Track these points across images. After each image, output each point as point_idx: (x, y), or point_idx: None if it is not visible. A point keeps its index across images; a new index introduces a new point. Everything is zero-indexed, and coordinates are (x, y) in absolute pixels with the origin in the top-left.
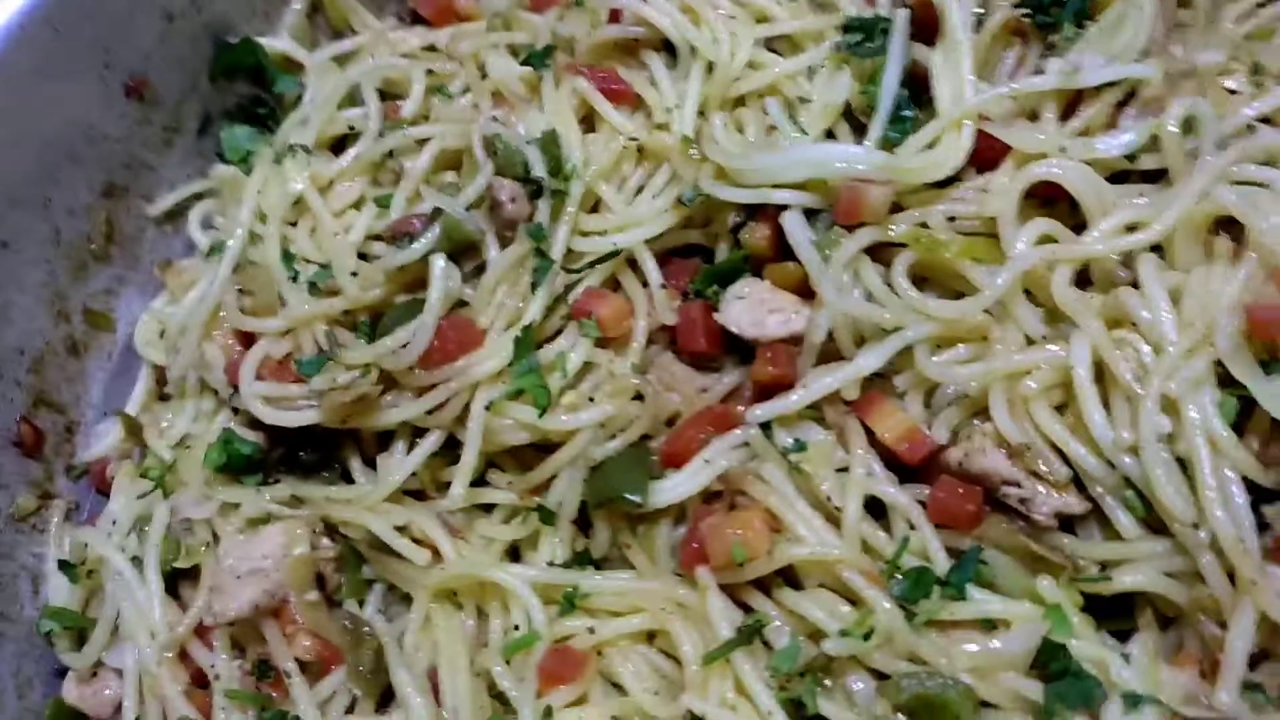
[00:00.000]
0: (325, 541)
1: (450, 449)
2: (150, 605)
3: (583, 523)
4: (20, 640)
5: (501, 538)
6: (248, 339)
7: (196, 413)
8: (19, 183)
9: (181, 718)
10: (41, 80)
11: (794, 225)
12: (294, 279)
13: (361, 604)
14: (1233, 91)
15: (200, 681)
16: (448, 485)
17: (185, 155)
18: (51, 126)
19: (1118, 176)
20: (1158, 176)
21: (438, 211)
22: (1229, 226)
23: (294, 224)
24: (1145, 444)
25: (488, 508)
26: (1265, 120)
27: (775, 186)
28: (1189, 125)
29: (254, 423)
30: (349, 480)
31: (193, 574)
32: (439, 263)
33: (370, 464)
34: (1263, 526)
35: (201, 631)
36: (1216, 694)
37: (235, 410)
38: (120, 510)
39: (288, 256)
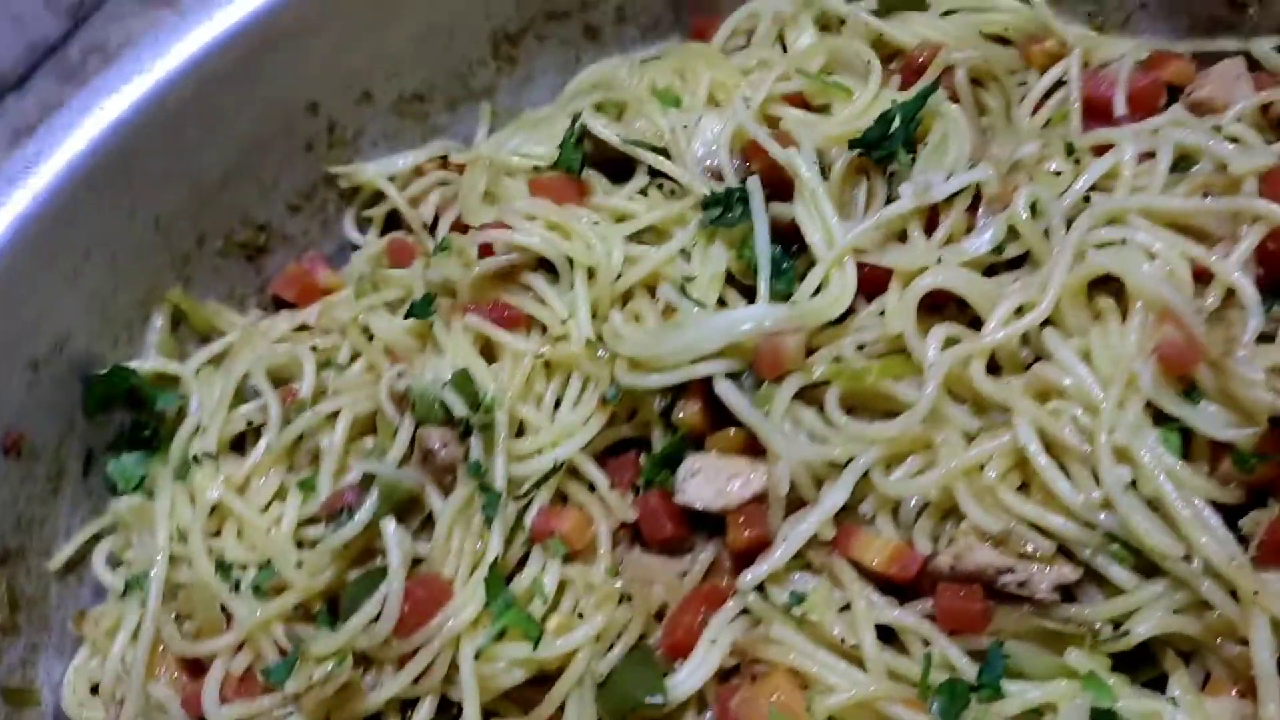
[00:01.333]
0: None
1: (446, 712)
2: None
3: None
4: None
5: None
6: (195, 668)
7: None
8: None
9: None
10: None
11: (727, 392)
12: (235, 588)
13: None
14: (1057, 173)
15: None
16: None
17: (75, 499)
18: None
19: (988, 271)
20: (1021, 262)
21: (369, 477)
22: (1104, 286)
23: (217, 534)
24: (1114, 496)
25: None
26: (1094, 189)
27: (694, 362)
28: (1035, 210)
29: None
30: None
31: None
32: (389, 527)
33: None
34: (1243, 541)
35: None
36: (1264, 708)
37: None
38: None
39: (222, 567)
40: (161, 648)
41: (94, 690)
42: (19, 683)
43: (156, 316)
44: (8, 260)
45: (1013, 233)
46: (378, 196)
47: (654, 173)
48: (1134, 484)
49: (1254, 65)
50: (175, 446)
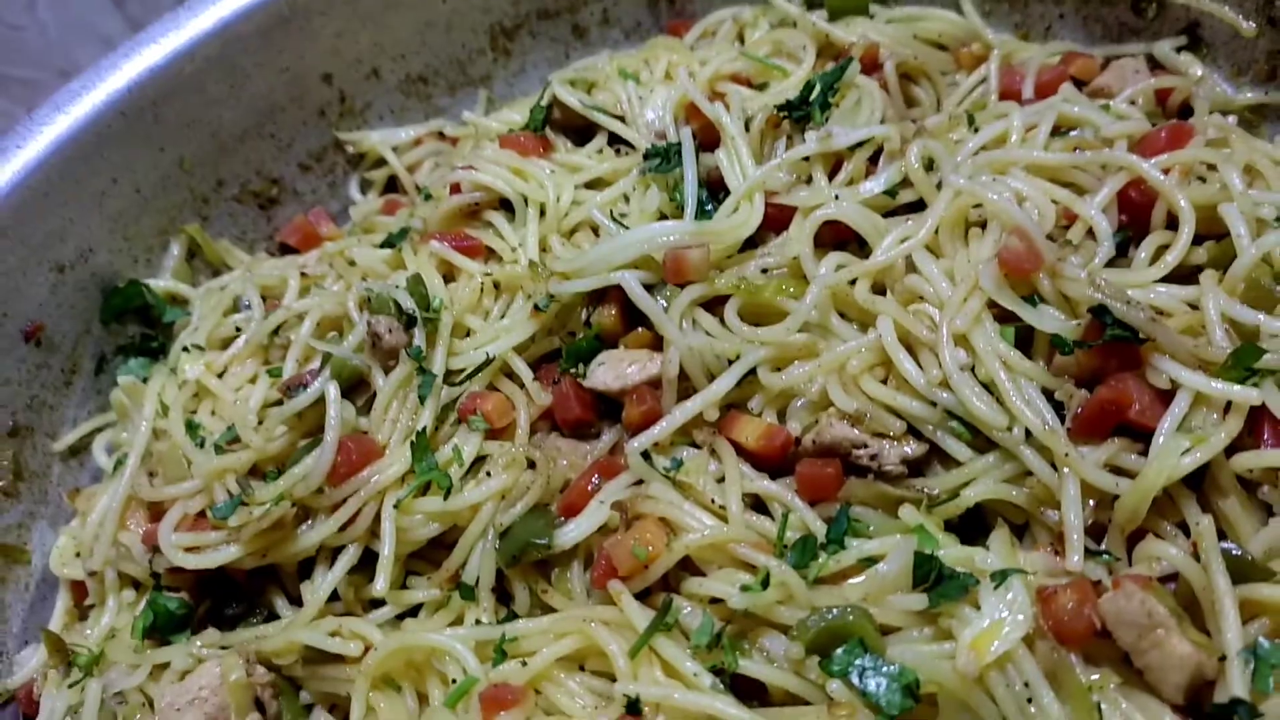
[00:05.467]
0: (260, 669)
1: (370, 564)
2: None
3: (503, 598)
4: None
5: (429, 627)
6: (159, 517)
7: (119, 606)
8: None
9: None
10: None
11: (632, 284)
12: (200, 445)
13: None
14: (959, 142)
15: None
16: (374, 604)
17: (85, 394)
18: None
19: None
20: (919, 208)
21: (326, 357)
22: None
23: (194, 412)
24: (952, 375)
25: (414, 614)
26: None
27: (611, 270)
28: (930, 165)
29: (178, 587)
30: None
31: None
32: (331, 389)
33: (296, 602)
34: (1063, 418)
35: None
36: (1069, 560)
37: (158, 582)
38: (49, 709)
39: (191, 427)
40: (133, 503)
41: (78, 555)
42: (13, 541)
43: (174, 245)
44: (44, 174)
45: (907, 182)
46: (381, 163)
47: (614, 140)
48: (973, 370)
49: (1158, 66)
50: (174, 347)
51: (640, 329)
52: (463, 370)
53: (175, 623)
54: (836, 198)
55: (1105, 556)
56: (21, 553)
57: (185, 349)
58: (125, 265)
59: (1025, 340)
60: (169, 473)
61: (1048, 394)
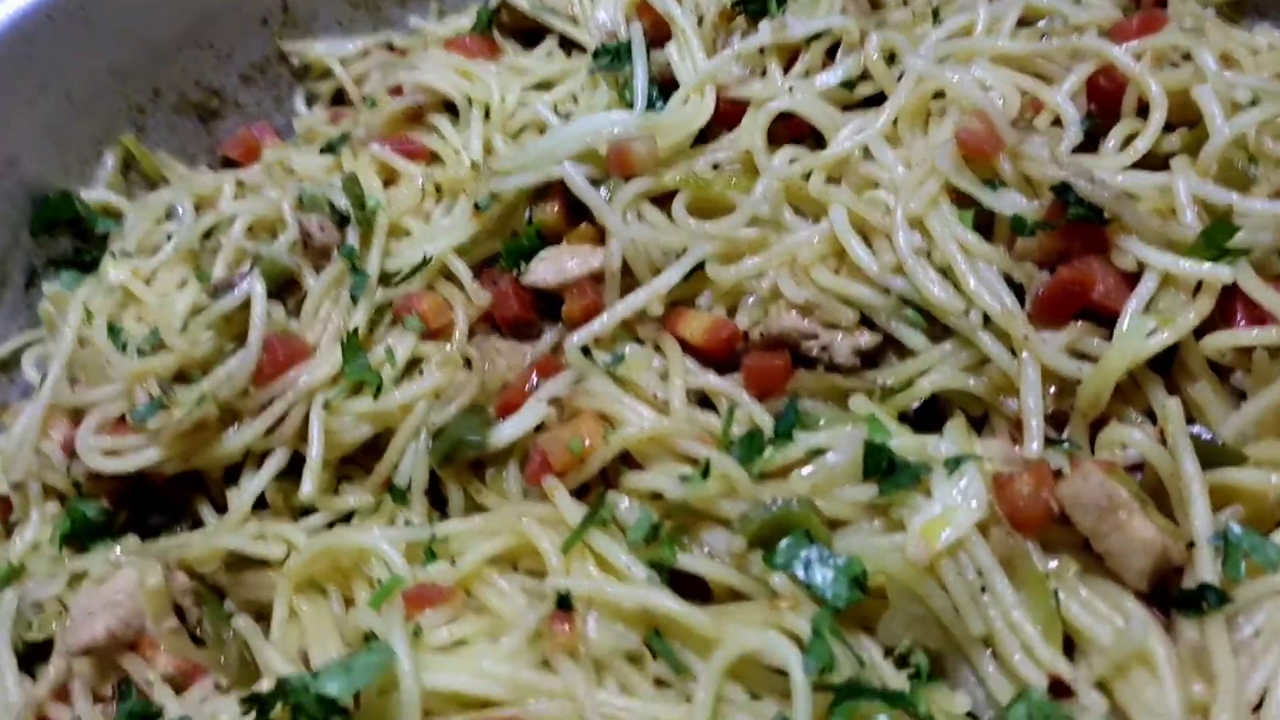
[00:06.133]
0: (181, 576)
1: (298, 470)
2: (3, 679)
3: (437, 503)
4: None
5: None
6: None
7: (42, 519)
8: None
9: None
10: None
11: (573, 174)
12: (123, 349)
13: None
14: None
15: None
16: (305, 513)
17: (15, 308)
18: None
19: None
20: (879, 103)
21: (257, 258)
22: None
23: (120, 320)
24: (906, 258)
25: (347, 521)
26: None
27: (553, 165)
28: (891, 58)
29: (99, 495)
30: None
31: (46, 653)
32: (257, 286)
33: (222, 511)
34: (1024, 303)
35: (61, 696)
36: (1027, 446)
37: (79, 491)
38: None
39: (114, 331)
40: (55, 413)
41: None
42: None
43: (108, 156)
44: None
45: (867, 76)
46: (327, 75)
47: (564, 44)
48: (929, 255)
49: None
50: (105, 257)
51: (584, 224)
52: (399, 273)
53: (94, 530)
54: (791, 90)
55: (1066, 445)
56: None
57: (112, 254)
58: (56, 175)
59: (985, 226)
60: (90, 378)
61: (1007, 279)
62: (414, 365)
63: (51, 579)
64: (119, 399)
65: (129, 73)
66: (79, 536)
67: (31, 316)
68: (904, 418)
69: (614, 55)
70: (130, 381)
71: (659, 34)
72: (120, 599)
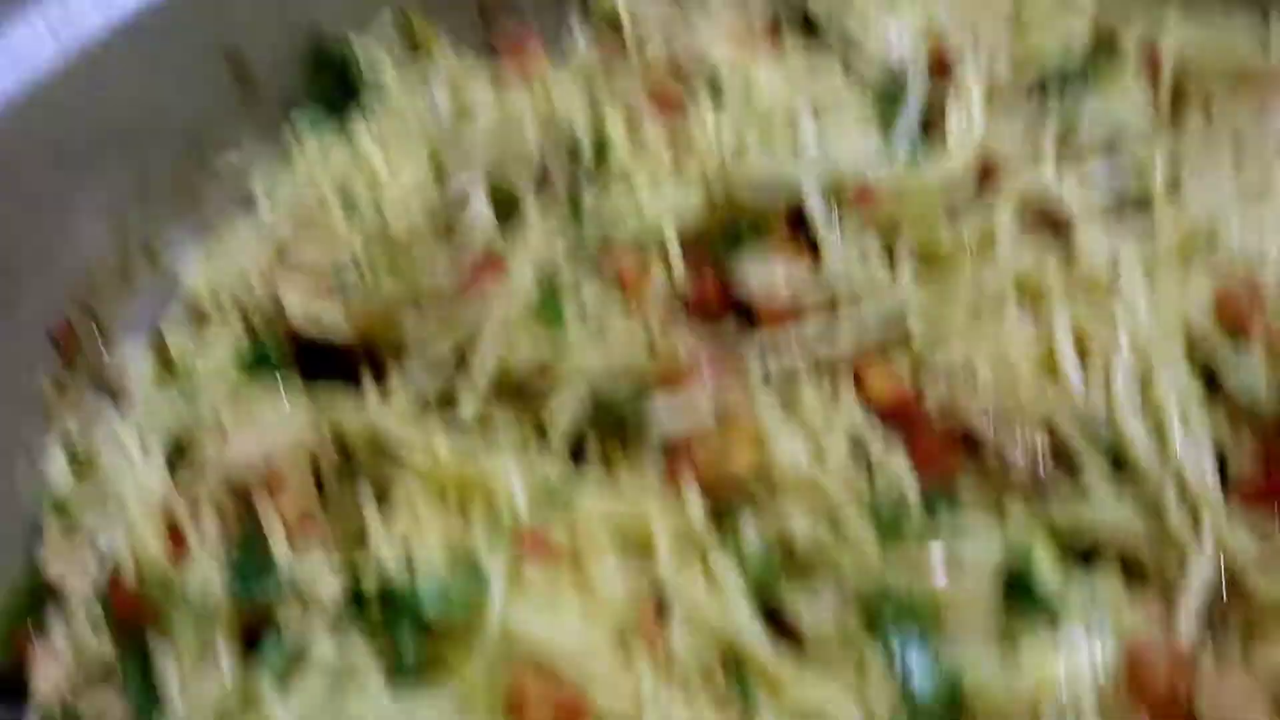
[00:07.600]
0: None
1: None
2: (147, 472)
3: (576, 457)
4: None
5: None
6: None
7: (225, 331)
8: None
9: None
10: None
11: (819, 209)
12: (345, 213)
13: None
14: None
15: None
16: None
17: (265, 128)
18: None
19: None
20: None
21: (487, 170)
22: None
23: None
24: (1118, 395)
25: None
26: None
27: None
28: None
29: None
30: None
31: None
32: (479, 193)
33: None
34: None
35: (193, 509)
36: (1177, 626)
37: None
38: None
39: (344, 195)
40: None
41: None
42: (157, 247)
43: (386, 13)
44: None
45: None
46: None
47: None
48: (1142, 395)
49: None
50: (357, 115)
51: (798, 236)
52: (614, 224)
53: (267, 366)
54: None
55: (1215, 637)
56: (158, 258)
57: (364, 117)
58: (333, 19)
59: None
60: (307, 233)
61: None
62: (595, 317)
63: (220, 399)
64: (326, 260)
65: None
66: (253, 368)
67: (270, 142)
68: (1056, 541)
69: (890, 84)
70: (341, 247)
71: (936, 62)
72: (278, 439)
